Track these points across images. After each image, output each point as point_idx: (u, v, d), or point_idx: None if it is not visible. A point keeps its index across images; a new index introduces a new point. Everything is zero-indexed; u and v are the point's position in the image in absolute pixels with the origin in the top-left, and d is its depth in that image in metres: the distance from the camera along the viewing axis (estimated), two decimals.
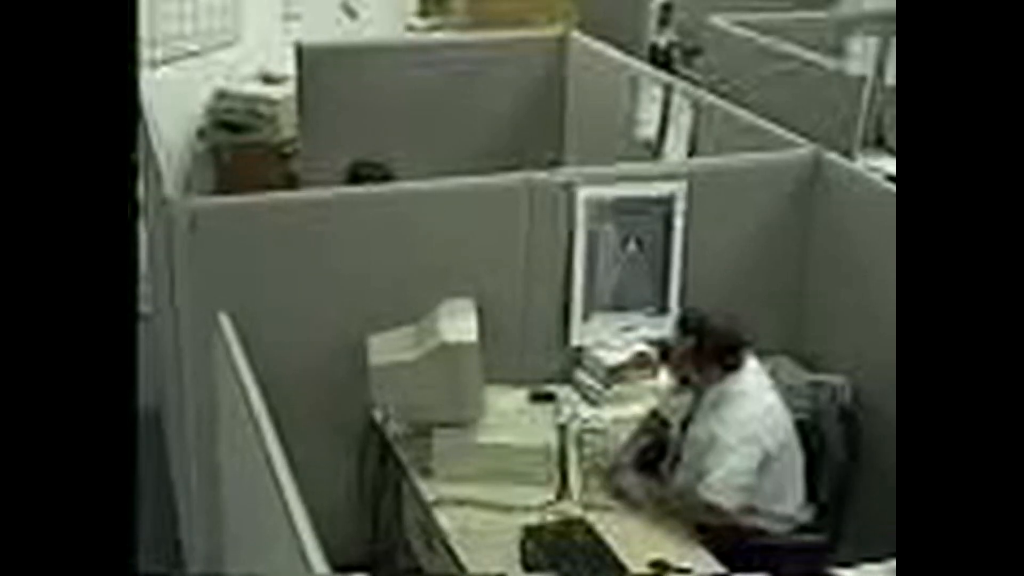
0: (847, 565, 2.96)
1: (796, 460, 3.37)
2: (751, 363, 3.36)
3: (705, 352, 3.31)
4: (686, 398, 3.44)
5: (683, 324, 3.42)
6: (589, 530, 3.07)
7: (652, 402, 3.72)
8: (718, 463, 3.21)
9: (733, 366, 3.31)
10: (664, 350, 3.90)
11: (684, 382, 3.45)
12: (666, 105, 4.76)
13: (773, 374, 3.49)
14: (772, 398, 3.34)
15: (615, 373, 3.84)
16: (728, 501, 3.18)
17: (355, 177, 4.47)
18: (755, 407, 3.28)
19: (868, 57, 5.71)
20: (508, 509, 3.24)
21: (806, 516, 3.38)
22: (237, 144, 6.57)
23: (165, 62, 6.18)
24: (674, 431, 3.46)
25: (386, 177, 4.40)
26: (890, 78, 5.79)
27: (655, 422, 3.56)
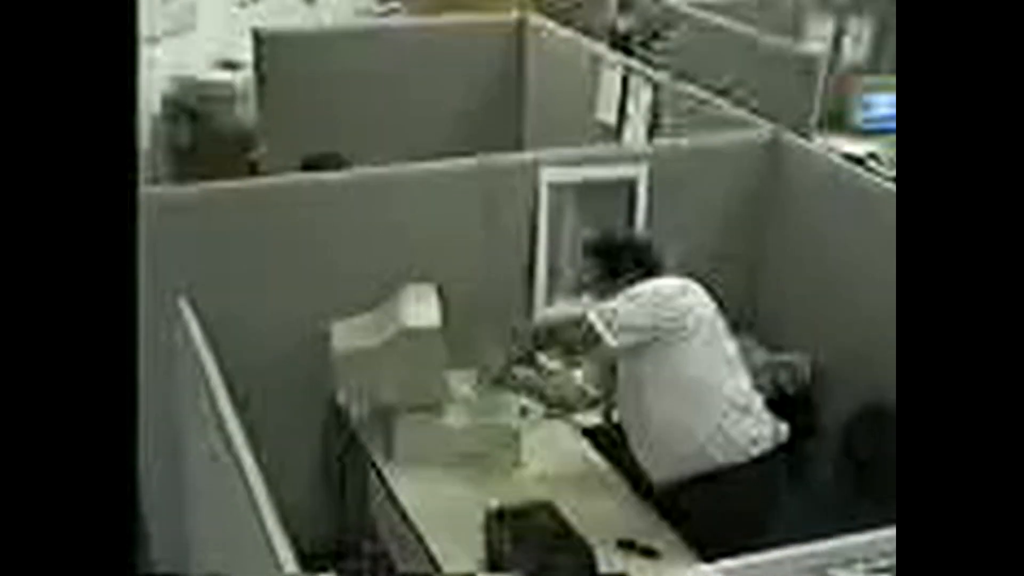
0: None
1: (729, 348, 3.25)
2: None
3: (624, 266, 3.26)
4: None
5: (592, 249, 3.35)
6: (553, 512, 3.09)
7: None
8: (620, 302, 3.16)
9: (652, 269, 3.27)
10: None
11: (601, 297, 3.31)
12: (625, 88, 4.77)
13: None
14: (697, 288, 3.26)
15: (575, 355, 3.84)
16: (613, 339, 3.12)
17: (309, 170, 4.45)
18: (674, 287, 3.21)
19: (826, 37, 5.75)
20: (472, 492, 3.25)
21: (767, 441, 3.19)
22: (196, 132, 6.51)
23: None
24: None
25: (340, 167, 4.38)
26: (848, 58, 5.85)
27: None
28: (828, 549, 2.05)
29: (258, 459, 2.43)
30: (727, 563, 2.03)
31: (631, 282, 3.24)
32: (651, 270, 3.29)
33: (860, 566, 2.03)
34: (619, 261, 3.30)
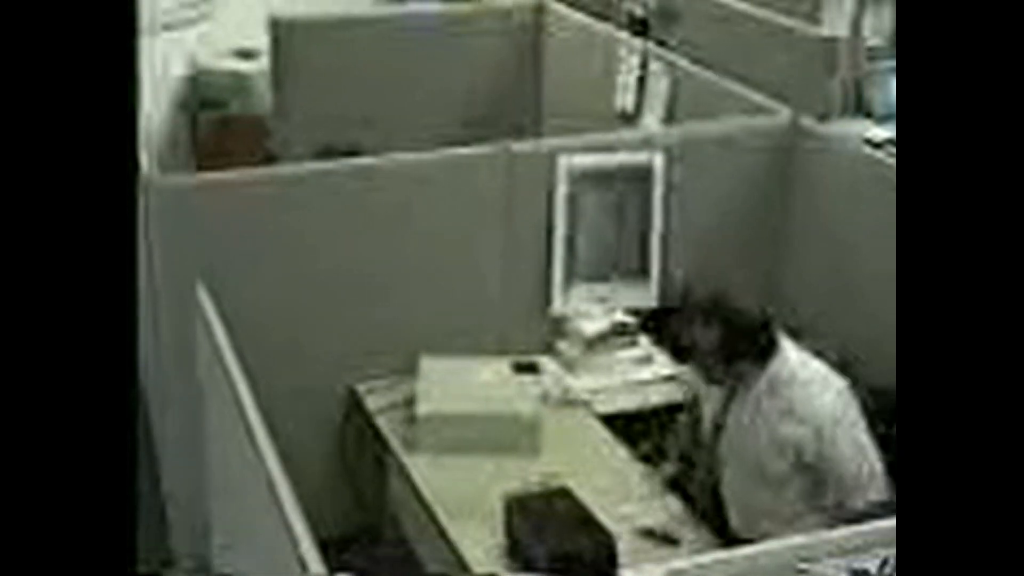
0: None
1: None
2: (784, 340, 2.93)
3: (733, 339, 2.81)
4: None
5: (701, 311, 2.86)
6: (573, 499, 3.08)
7: (631, 372, 3.73)
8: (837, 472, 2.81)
9: (768, 348, 2.86)
10: (645, 321, 3.91)
11: (712, 382, 3.00)
12: (643, 73, 4.75)
13: None
14: (821, 367, 2.94)
15: (594, 343, 3.84)
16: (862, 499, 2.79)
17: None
18: (821, 385, 2.87)
19: (844, 20, 5.70)
20: (492, 479, 3.25)
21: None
22: (214, 121, 6.52)
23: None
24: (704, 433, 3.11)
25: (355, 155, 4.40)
26: (868, 40, 5.78)
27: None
28: (818, 541, 2.05)
29: (277, 446, 2.44)
30: (744, 550, 2.04)
31: (746, 367, 2.89)
32: (765, 349, 2.89)
33: (840, 561, 2.02)
34: (738, 343, 2.85)
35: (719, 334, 2.83)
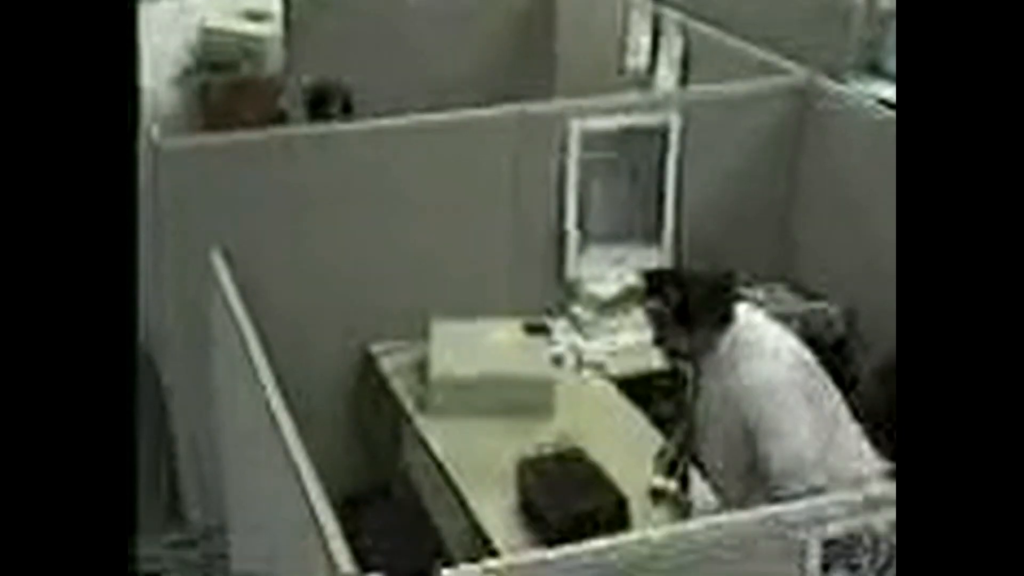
0: None
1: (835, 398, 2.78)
2: (742, 304, 2.79)
3: (693, 307, 2.69)
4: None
5: (652, 284, 2.77)
6: (586, 460, 3.09)
7: (643, 335, 3.71)
8: (771, 450, 2.59)
9: (727, 314, 2.72)
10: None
11: (674, 355, 2.86)
12: (656, 34, 4.71)
13: (766, 302, 3.47)
14: (782, 332, 2.80)
15: (608, 306, 3.84)
16: (803, 484, 2.54)
17: (317, 102, 4.49)
18: (776, 358, 2.68)
19: None
20: (505, 441, 3.25)
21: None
22: (224, 83, 6.49)
23: None
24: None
25: (346, 100, 4.42)
26: (885, 1, 5.72)
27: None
28: (799, 510, 2.06)
29: (290, 407, 2.45)
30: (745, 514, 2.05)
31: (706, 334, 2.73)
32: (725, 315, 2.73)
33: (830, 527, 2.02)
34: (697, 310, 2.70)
35: (677, 300, 2.71)
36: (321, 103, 4.46)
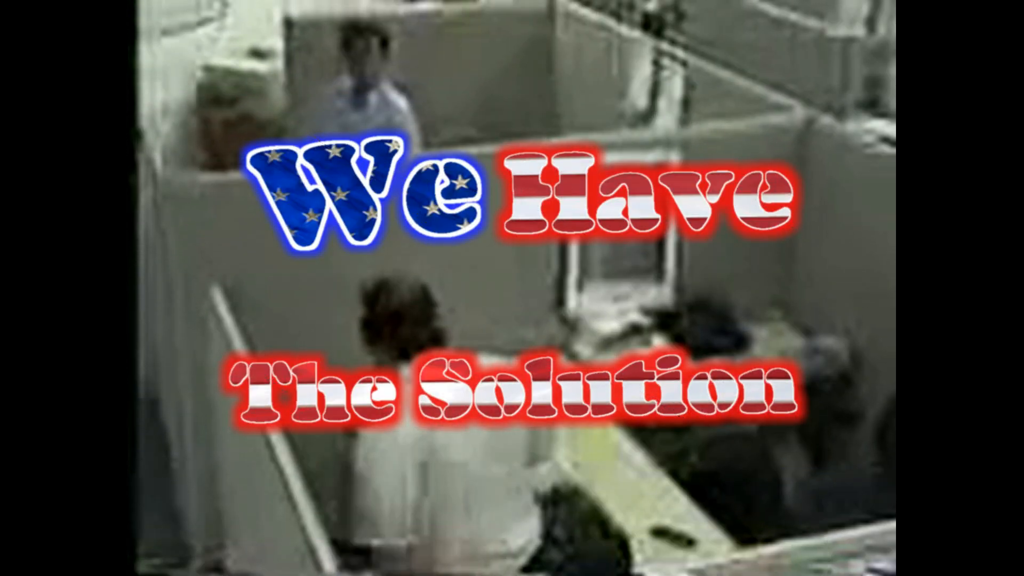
0: None
1: None
2: None
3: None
4: None
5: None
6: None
7: None
8: None
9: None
10: (660, 321, 3.89)
11: None
12: (657, 72, 4.73)
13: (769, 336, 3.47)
14: None
15: (609, 343, 3.83)
16: None
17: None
18: None
19: (859, 17, 5.67)
20: None
21: None
22: (228, 120, 6.53)
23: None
24: None
25: None
26: (882, 36, 5.75)
27: None
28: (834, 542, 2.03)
29: (291, 445, 2.44)
30: (768, 549, 2.02)
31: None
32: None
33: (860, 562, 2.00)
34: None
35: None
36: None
